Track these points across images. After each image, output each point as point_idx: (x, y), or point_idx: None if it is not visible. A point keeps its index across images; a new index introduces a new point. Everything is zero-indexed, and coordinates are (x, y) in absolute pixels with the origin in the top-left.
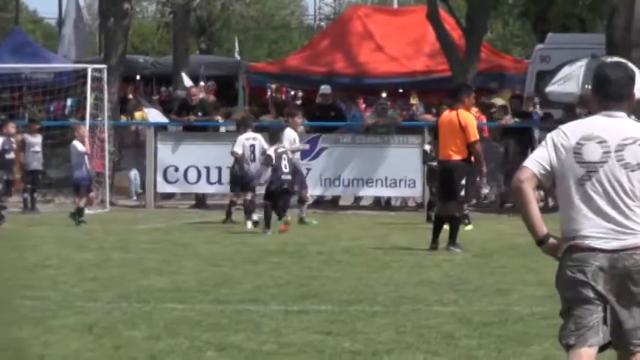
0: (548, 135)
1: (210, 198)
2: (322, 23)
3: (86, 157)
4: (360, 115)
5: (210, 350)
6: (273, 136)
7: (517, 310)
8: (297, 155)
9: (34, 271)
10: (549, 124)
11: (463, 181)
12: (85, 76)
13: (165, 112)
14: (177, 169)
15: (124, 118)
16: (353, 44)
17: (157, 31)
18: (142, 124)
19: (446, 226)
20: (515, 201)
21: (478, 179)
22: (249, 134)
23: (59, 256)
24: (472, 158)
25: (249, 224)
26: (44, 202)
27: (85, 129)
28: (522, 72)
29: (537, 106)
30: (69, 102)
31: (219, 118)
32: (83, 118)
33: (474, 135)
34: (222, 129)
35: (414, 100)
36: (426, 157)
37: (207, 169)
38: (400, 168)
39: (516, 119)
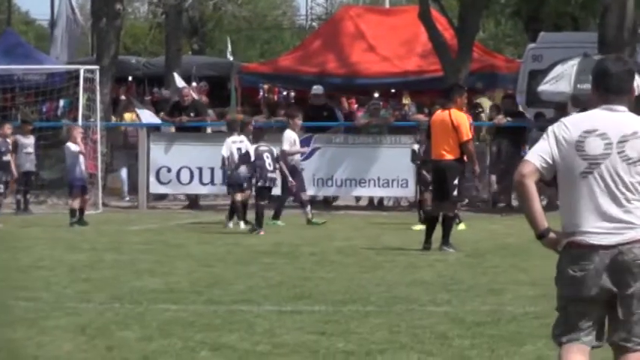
0: (550, 128)
1: (202, 199)
2: (314, 23)
3: (81, 157)
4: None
5: (204, 350)
6: (256, 136)
7: (510, 309)
8: (298, 156)
9: (27, 272)
10: (542, 123)
11: (456, 181)
12: (77, 77)
13: (157, 113)
14: (169, 170)
15: (114, 120)
16: (345, 44)
17: (149, 31)
18: (135, 126)
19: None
20: (517, 195)
21: (475, 180)
22: (235, 137)
23: (52, 257)
24: (465, 158)
25: (242, 225)
26: (37, 204)
27: (78, 130)
28: (515, 71)
29: (520, 107)
30: (61, 103)
31: (211, 112)
32: (75, 119)
33: (467, 134)
34: (209, 130)
35: (406, 100)
36: (415, 157)
37: (200, 169)
38: (393, 168)
39: (509, 119)
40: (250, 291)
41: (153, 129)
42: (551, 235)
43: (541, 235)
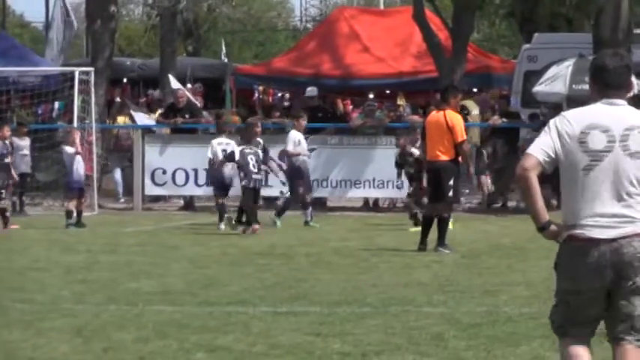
0: (552, 121)
1: (198, 200)
2: (309, 25)
3: (78, 158)
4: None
5: (200, 352)
6: (244, 137)
7: (505, 310)
8: (304, 157)
9: (23, 273)
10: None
11: (451, 182)
12: (72, 79)
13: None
14: (165, 172)
15: (107, 121)
16: (339, 45)
17: (144, 33)
18: (130, 127)
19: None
20: (519, 188)
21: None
22: (222, 139)
23: (48, 259)
24: (460, 158)
25: (222, 226)
26: (32, 205)
27: (77, 132)
28: (509, 72)
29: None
30: (56, 105)
31: (206, 114)
32: (71, 121)
33: (462, 135)
34: (199, 132)
35: (401, 101)
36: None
37: (195, 171)
38: (388, 169)
39: (504, 119)
40: (246, 292)
41: (148, 131)
42: (552, 227)
43: (542, 228)
